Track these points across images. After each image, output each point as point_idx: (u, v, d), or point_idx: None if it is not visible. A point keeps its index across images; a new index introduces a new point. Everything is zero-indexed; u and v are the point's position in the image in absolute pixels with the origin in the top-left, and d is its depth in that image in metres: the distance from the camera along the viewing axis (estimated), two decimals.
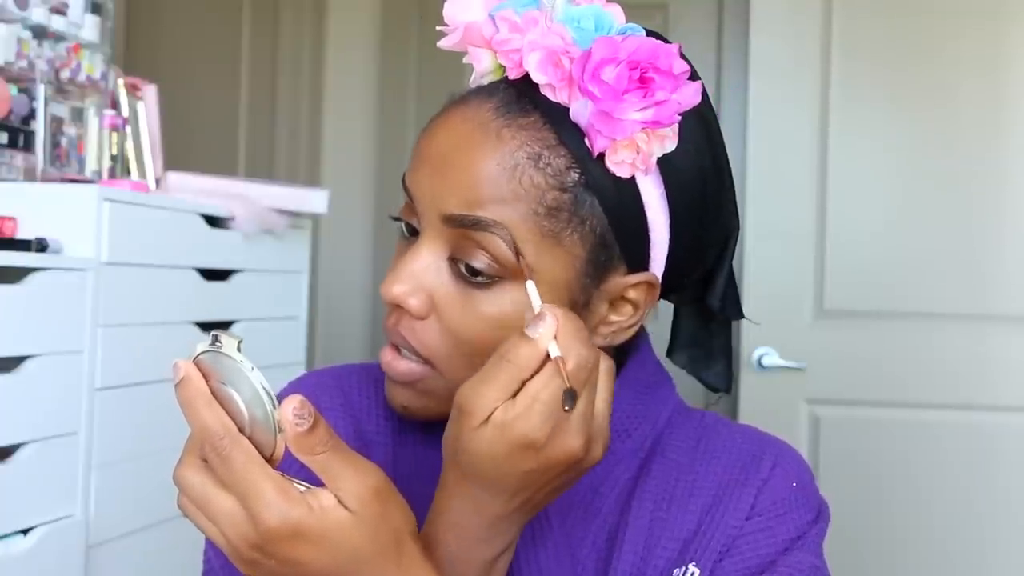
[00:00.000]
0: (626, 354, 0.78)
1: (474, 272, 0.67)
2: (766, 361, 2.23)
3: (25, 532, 1.36)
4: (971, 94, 2.20)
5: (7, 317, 1.31)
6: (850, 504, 2.22)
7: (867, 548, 2.24)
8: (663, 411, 0.79)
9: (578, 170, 0.67)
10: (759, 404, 2.23)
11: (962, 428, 2.20)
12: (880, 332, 2.22)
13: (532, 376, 0.60)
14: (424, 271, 0.68)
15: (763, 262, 2.25)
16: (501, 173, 0.66)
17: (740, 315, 0.80)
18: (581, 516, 0.74)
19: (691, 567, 0.72)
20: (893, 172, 2.25)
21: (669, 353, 0.82)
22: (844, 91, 2.24)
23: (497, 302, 0.67)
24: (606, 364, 0.63)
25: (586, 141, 0.66)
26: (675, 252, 0.72)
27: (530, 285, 0.64)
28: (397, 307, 0.69)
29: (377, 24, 2.82)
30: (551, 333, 0.60)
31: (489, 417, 0.60)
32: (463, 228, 0.66)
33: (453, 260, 0.68)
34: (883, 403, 2.23)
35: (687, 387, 0.87)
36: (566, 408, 0.58)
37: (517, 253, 0.66)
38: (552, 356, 0.59)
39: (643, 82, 0.64)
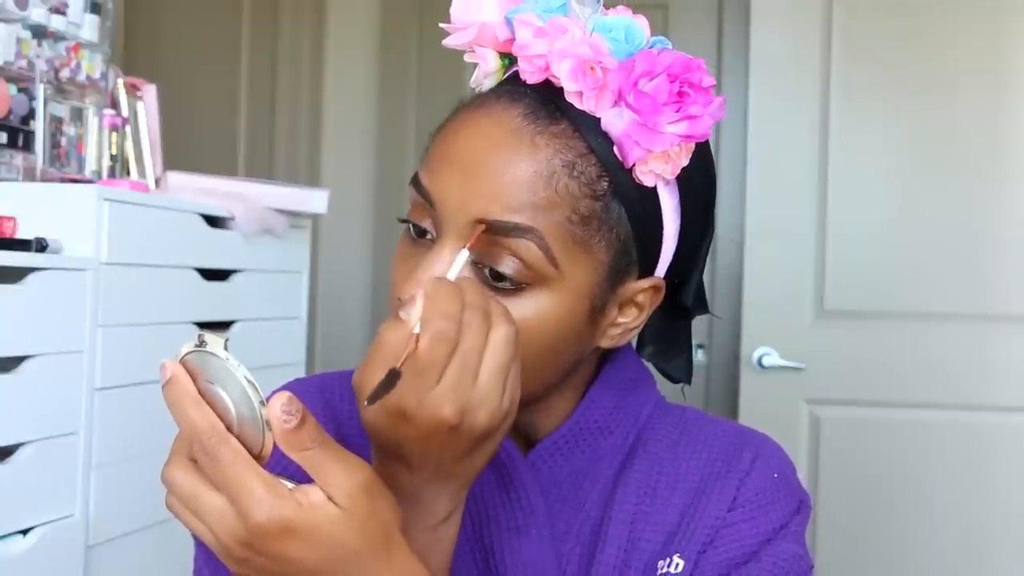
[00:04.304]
0: (608, 352, 0.79)
1: (499, 277, 0.66)
2: (766, 361, 2.23)
3: (25, 532, 1.36)
4: (971, 94, 2.20)
5: (7, 317, 1.31)
6: (850, 504, 2.22)
7: (867, 548, 2.24)
8: (644, 408, 0.80)
9: (607, 179, 0.67)
10: (759, 404, 2.23)
11: (962, 428, 2.20)
12: (880, 332, 2.22)
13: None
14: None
15: (763, 262, 2.25)
16: (537, 179, 0.66)
17: (707, 311, 0.81)
18: (565, 510, 0.76)
19: (676, 559, 0.73)
20: (893, 172, 2.25)
21: (636, 348, 0.83)
22: (844, 90, 2.24)
23: (520, 309, 0.66)
24: (500, 332, 0.61)
25: (615, 150, 0.67)
26: (676, 256, 0.73)
27: (462, 254, 0.65)
28: None
29: (377, 24, 2.82)
30: (418, 314, 0.60)
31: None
32: (496, 233, 0.66)
33: (476, 264, 0.67)
34: (883, 403, 2.23)
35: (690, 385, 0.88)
36: (368, 402, 0.59)
37: (553, 260, 0.66)
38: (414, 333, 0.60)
39: (680, 96, 0.66)
